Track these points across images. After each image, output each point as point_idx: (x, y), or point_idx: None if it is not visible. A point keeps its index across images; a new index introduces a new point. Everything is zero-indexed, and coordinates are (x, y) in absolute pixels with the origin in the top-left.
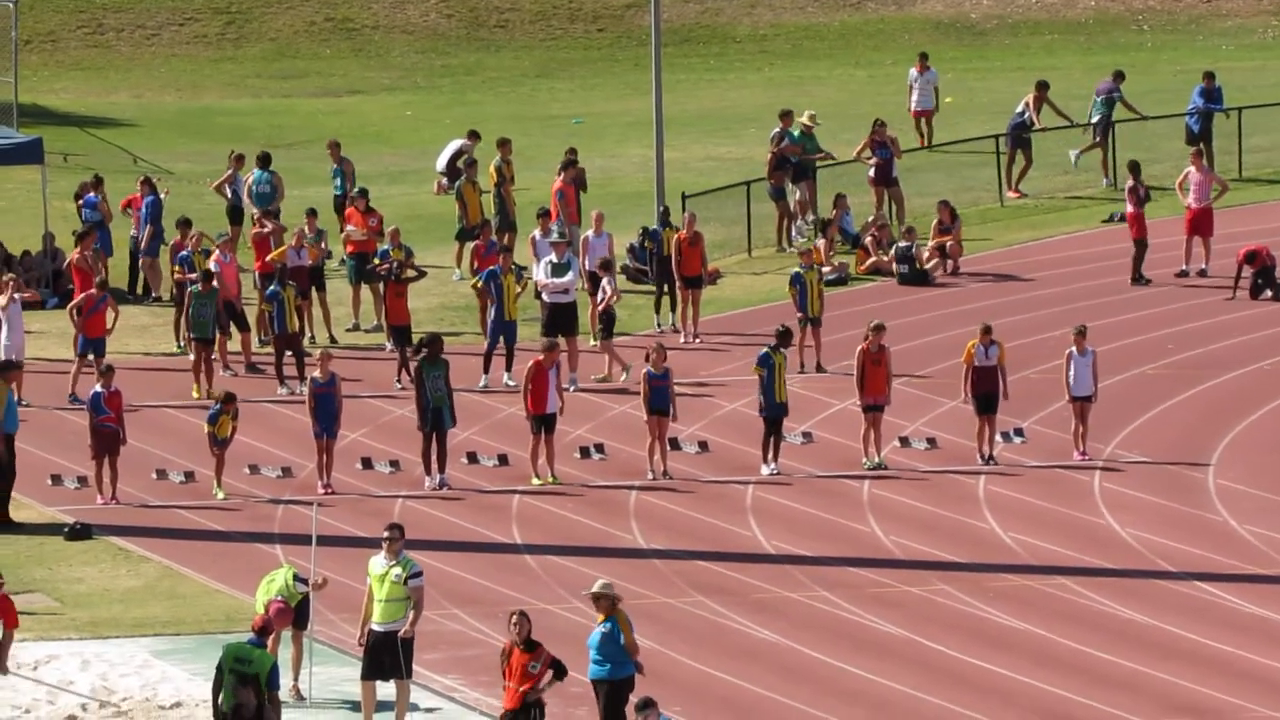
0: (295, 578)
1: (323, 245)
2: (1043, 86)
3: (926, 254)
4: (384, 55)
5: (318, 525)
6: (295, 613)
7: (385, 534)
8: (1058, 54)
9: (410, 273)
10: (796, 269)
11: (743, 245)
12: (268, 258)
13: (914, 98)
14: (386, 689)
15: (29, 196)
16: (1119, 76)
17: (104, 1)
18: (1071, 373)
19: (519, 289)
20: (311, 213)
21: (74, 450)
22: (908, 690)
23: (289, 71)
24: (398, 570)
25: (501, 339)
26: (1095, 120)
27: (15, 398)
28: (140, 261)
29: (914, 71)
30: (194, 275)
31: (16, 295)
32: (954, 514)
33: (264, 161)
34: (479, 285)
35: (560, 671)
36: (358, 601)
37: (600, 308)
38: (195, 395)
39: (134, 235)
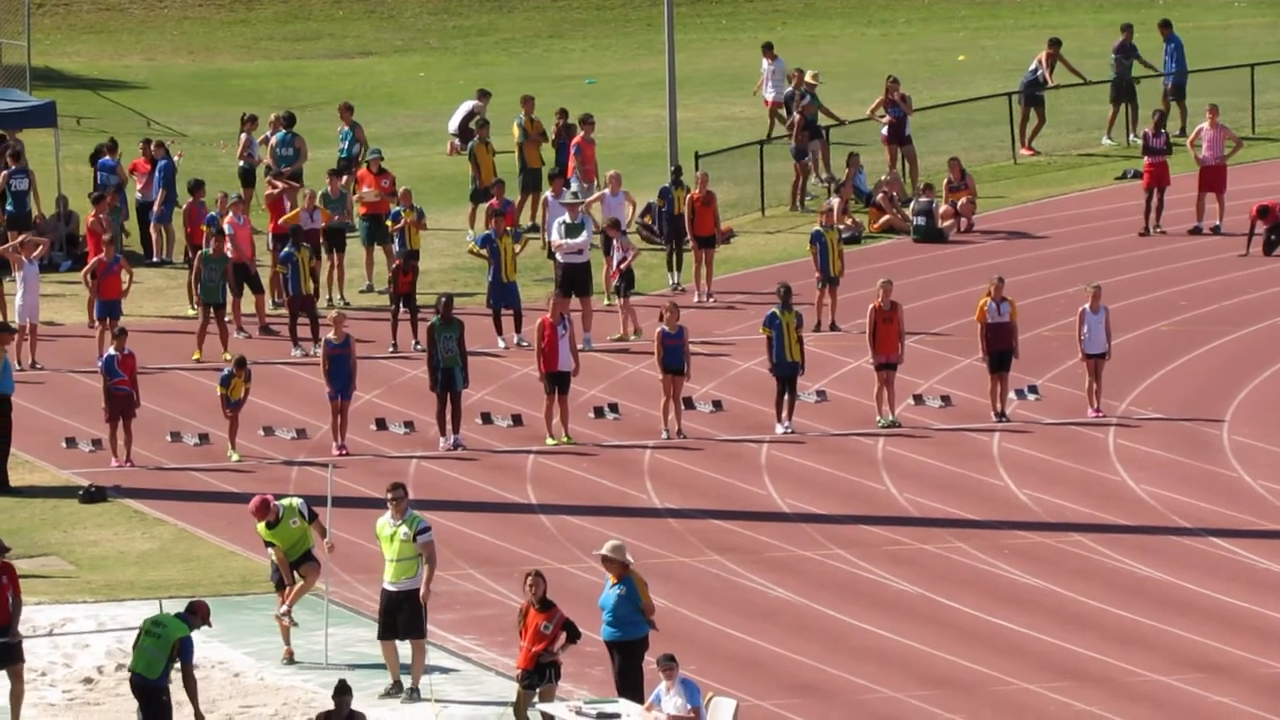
0: (303, 509)
1: (348, 207)
2: (1055, 44)
3: (942, 211)
4: (397, 16)
5: (333, 487)
6: (308, 559)
7: (389, 494)
8: (1070, 11)
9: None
10: (817, 227)
11: (756, 204)
12: (280, 220)
13: (766, 88)
14: (404, 647)
15: (42, 160)
16: (1130, 31)
17: None
18: (1085, 330)
19: (518, 249)
20: (334, 173)
21: (88, 413)
22: (923, 647)
23: (302, 33)
24: (405, 529)
25: (504, 302)
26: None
27: (14, 361)
28: (151, 226)
29: (765, 62)
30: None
31: (29, 258)
32: (968, 471)
33: (287, 123)
34: (475, 249)
35: (573, 634)
36: (372, 563)
37: (620, 267)
38: (195, 358)
39: (139, 198)
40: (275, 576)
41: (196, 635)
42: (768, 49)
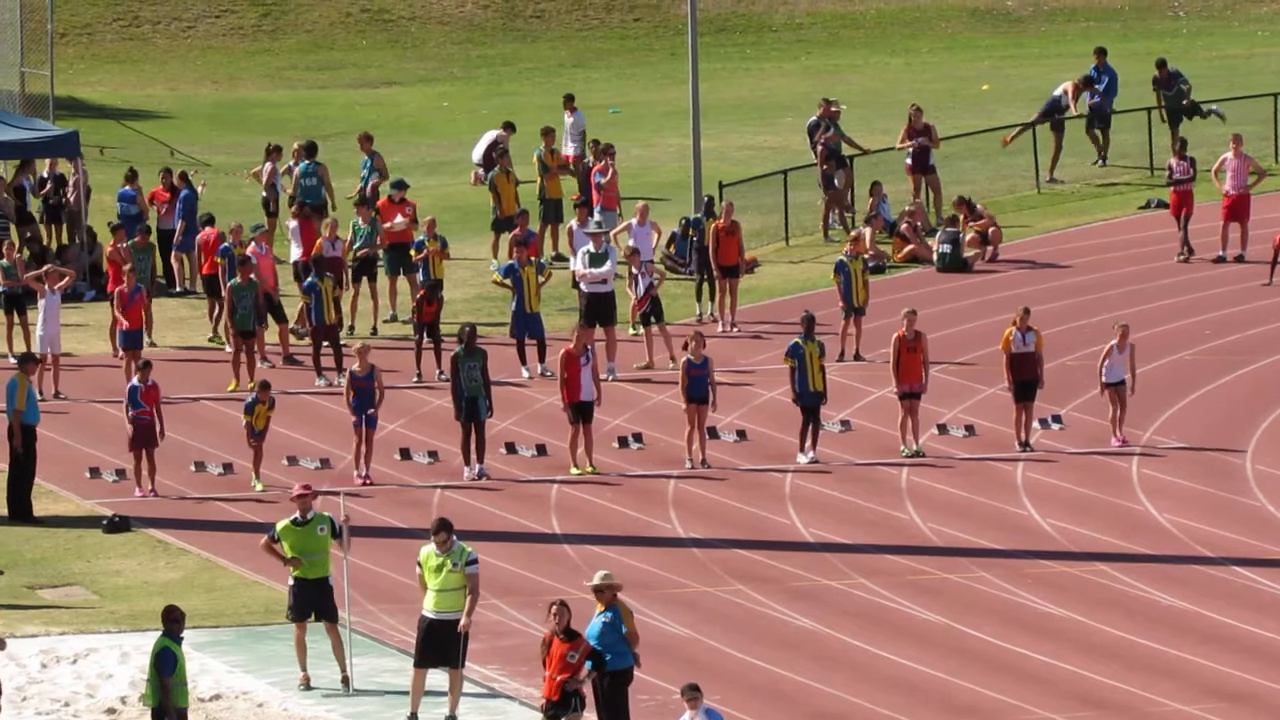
0: (333, 521)
1: (378, 238)
2: (1087, 81)
3: (969, 240)
4: (420, 46)
5: (348, 513)
6: (323, 603)
7: (434, 537)
8: (1094, 41)
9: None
10: (841, 257)
11: (780, 234)
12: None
13: (565, 143)
14: (434, 677)
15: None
16: (1164, 64)
17: None
18: (1106, 364)
19: (541, 280)
20: (362, 204)
21: (112, 443)
22: (946, 677)
23: (325, 63)
24: (453, 559)
25: (528, 332)
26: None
27: (36, 391)
28: (172, 255)
29: (565, 115)
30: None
31: (53, 288)
32: (992, 500)
33: (309, 152)
34: (498, 279)
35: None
36: (395, 591)
37: (643, 297)
38: (231, 388)
39: (159, 226)
40: (293, 601)
41: (221, 664)
42: (568, 100)
